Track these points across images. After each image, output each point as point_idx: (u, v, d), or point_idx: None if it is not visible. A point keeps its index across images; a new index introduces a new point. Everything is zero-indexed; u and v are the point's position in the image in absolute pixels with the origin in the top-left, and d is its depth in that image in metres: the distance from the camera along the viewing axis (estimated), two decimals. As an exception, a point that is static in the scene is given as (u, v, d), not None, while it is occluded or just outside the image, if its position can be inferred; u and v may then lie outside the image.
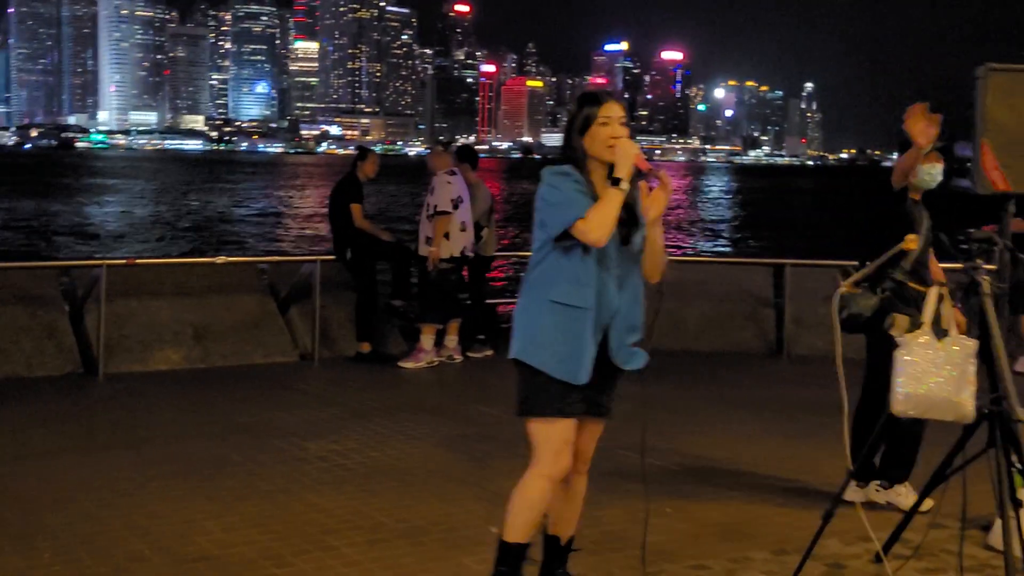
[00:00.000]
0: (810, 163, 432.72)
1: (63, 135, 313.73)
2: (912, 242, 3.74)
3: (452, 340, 9.77)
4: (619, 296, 3.93)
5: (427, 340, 9.57)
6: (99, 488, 5.74)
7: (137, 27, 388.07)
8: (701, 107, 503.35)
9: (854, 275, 3.98)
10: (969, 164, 5.11)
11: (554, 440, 3.91)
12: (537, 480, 3.93)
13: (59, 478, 5.95)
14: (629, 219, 3.92)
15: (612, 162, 3.86)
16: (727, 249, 40.09)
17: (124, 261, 9.39)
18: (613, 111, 3.90)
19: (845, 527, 4.91)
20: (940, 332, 3.85)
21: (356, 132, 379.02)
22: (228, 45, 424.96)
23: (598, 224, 3.77)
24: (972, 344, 3.86)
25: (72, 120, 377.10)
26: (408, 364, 9.50)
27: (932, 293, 3.83)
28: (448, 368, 9.65)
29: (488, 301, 10.73)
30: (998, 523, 4.47)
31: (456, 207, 9.39)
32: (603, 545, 4.96)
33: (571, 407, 3.91)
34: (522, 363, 3.92)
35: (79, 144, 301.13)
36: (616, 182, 3.80)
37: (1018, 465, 4.09)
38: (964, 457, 4.29)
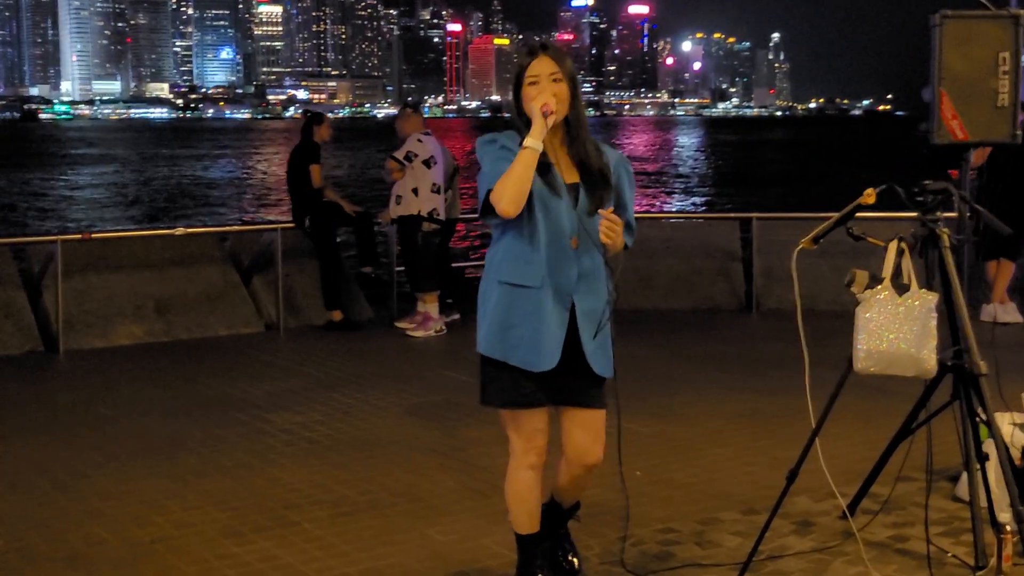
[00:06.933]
0: (779, 114, 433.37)
1: (26, 107, 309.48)
2: (870, 196, 3.67)
3: (434, 309, 9.68)
4: (578, 273, 3.58)
5: (432, 308, 9.51)
6: (56, 470, 5.63)
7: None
8: (669, 60, 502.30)
9: (814, 231, 3.90)
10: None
11: (523, 429, 3.67)
12: (516, 472, 3.73)
13: (16, 461, 5.83)
14: (585, 183, 3.56)
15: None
16: (696, 205, 40.05)
17: (79, 236, 9.20)
18: (541, 67, 3.54)
19: (814, 484, 4.86)
20: (901, 287, 3.79)
21: (323, 96, 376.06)
22: (190, 11, 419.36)
23: (502, 192, 3.42)
24: (932, 298, 3.80)
25: (35, 91, 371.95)
26: (419, 333, 9.41)
27: (892, 247, 3.76)
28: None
29: (454, 265, 10.64)
30: (965, 475, 4.46)
31: (429, 167, 9.38)
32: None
33: (528, 397, 3.59)
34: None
35: (43, 116, 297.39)
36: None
37: (982, 417, 4.06)
38: (928, 411, 4.26)
